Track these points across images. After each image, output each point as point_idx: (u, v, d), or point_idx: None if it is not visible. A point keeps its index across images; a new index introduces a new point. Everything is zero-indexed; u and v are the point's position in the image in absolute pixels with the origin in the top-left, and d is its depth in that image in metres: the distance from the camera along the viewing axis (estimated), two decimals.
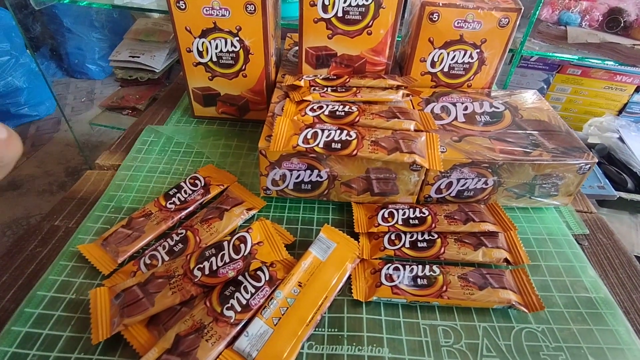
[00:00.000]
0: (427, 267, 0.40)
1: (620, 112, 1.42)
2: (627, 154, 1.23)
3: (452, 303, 0.38)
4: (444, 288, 0.38)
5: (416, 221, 0.44)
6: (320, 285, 0.37)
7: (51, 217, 0.46)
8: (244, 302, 0.35)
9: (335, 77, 0.53)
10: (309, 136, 0.43)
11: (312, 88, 0.50)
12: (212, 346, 0.33)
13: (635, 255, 1.05)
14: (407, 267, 0.40)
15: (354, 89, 0.50)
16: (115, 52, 1.40)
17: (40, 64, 1.99)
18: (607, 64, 1.16)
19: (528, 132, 0.49)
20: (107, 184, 0.51)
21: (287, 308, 0.35)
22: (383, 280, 0.39)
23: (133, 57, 1.36)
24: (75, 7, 1.18)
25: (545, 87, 1.42)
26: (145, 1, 1.11)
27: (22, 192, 1.61)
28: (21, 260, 0.41)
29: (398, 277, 0.39)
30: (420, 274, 0.40)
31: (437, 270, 0.40)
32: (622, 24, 0.90)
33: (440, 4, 0.50)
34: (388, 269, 0.40)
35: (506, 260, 0.42)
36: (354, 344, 0.35)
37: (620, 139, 1.27)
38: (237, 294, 0.36)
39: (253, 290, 0.36)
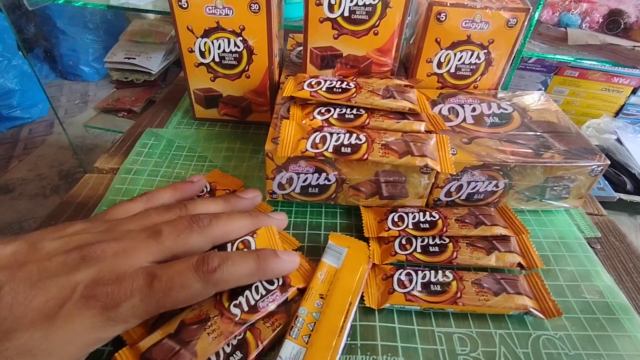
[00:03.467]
0: (440, 272, 0.39)
1: (617, 113, 1.42)
2: (625, 155, 1.23)
3: (467, 309, 0.37)
4: (459, 294, 0.37)
5: (427, 225, 0.43)
6: (343, 292, 0.36)
7: (49, 222, 0.45)
8: (253, 302, 0.34)
9: (340, 88, 0.48)
10: (317, 140, 0.41)
11: (316, 110, 0.46)
12: (213, 341, 0.31)
13: None
14: (419, 272, 0.39)
15: (364, 114, 0.46)
16: (110, 53, 1.38)
17: (33, 65, 1.96)
18: (604, 66, 1.17)
19: (538, 133, 0.48)
20: (106, 188, 0.49)
21: (315, 323, 0.34)
22: (396, 286, 0.38)
23: (129, 58, 1.34)
24: (69, 8, 1.16)
25: (543, 89, 1.43)
26: (141, 2, 1.09)
27: (14, 196, 1.58)
28: None
29: (411, 283, 0.38)
30: (433, 279, 0.39)
31: (450, 276, 0.39)
32: (622, 26, 0.90)
33: (448, 4, 0.50)
34: (400, 274, 0.39)
35: (520, 264, 0.41)
36: (368, 353, 0.34)
37: (618, 140, 1.27)
38: (247, 292, 0.34)
39: (264, 292, 0.35)
